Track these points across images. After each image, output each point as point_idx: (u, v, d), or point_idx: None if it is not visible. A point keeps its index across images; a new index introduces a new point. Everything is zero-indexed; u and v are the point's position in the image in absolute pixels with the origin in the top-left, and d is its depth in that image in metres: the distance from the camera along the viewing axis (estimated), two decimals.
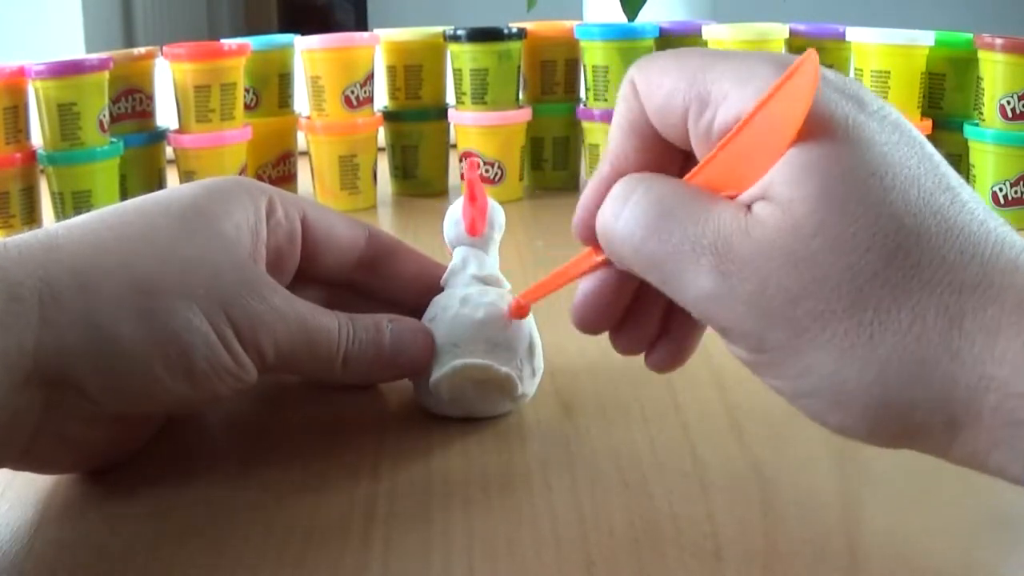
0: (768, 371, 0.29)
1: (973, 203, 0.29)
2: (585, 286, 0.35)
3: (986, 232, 0.28)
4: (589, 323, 0.36)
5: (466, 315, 0.41)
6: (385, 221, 0.78)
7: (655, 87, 0.32)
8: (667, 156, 0.33)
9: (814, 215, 0.28)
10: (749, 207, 0.29)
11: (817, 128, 0.29)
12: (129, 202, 0.38)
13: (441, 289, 0.43)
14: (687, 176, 0.32)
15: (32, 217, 0.73)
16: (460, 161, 0.82)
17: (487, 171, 0.81)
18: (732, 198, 0.30)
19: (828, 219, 0.28)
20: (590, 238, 0.34)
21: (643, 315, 0.36)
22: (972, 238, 0.28)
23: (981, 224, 0.28)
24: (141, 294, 0.34)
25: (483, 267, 0.43)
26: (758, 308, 0.28)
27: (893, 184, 0.28)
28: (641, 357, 0.37)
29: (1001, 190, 0.70)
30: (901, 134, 0.29)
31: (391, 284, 0.44)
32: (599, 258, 0.34)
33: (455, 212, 0.44)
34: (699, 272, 0.29)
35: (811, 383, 0.28)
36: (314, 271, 0.42)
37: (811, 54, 0.29)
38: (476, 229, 0.43)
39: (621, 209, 0.31)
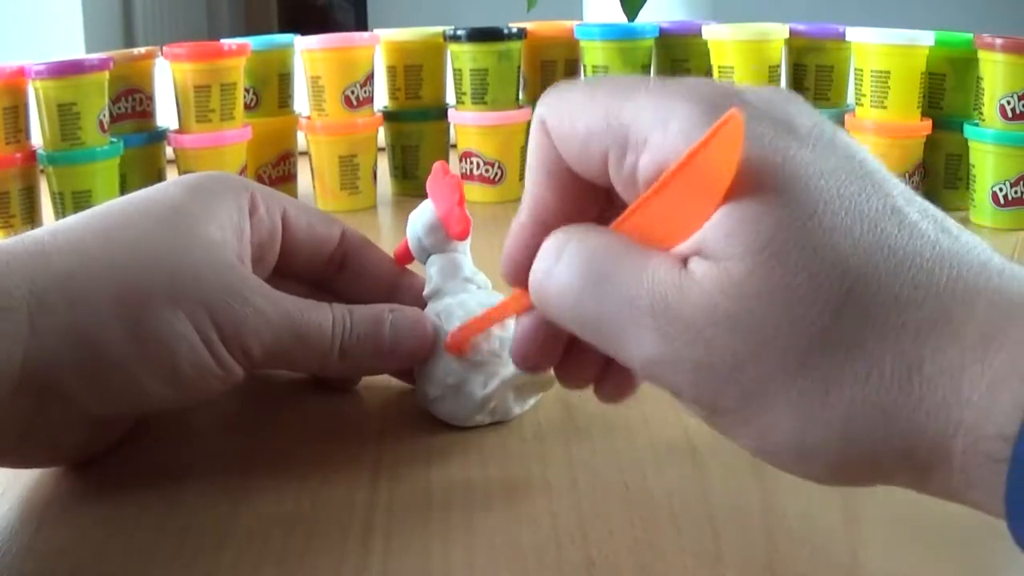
0: (727, 431, 0.28)
1: (924, 222, 0.27)
2: (521, 326, 0.34)
3: (939, 256, 0.26)
4: (529, 362, 0.34)
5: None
6: (385, 221, 0.78)
7: (569, 129, 0.31)
8: (587, 196, 0.32)
9: (753, 274, 0.26)
10: (685, 261, 0.28)
11: (748, 176, 0.27)
12: (115, 202, 0.38)
13: (423, 301, 0.42)
14: (613, 223, 0.30)
15: (32, 217, 0.73)
16: (461, 161, 0.82)
17: (487, 171, 0.81)
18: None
19: (768, 276, 0.26)
20: (518, 282, 0.33)
21: (585, 350, 0.33)
22: (925, 266, 0.26)
23: (934, 247, 0.27)
24: (126, 302, 0.35)
25: (471, 270, 0.43)
26: (705, 374, 0.27)
27: (833, 223, 0.26)
28: None
29: (1001, 190, 0.70)
30: (838, 156, 0.28)
31: (359, 282, 0.44)
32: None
33: (427, 217, 0.42)
34: (640, 334, 0.28)
35: (771, 443, 0.27)
36: (290, 266, 0.43)
37: (735, 115, 0.27)
38: (468, 231, 0.42)
39: (552, 267, 0.30)
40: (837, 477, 0.28)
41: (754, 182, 0.27)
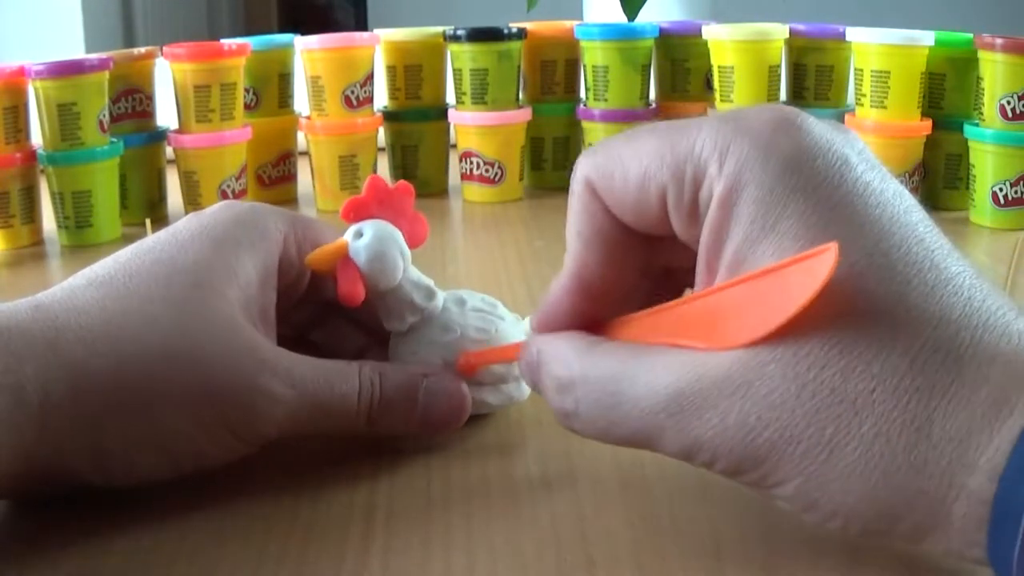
0: (753, 489, 0.29)
1: (960, 276, 0.27)
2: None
3: (966, 316, 0.26)
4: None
5: (517, 333, 0.40)
6: None
7: (621, 182, 0.31)
8: (634, 255, 0.32)
9: (766, 343, 0.27)
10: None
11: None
12: (133, 264, 0.37)
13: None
14: (659, 308, 0.31)
15: (32, 217, 0.73)
16: (461, 161, 0.82)
17: (487, 171, 0.81)
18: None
19: (780, 344, 0.27)
20: (550, 332, 0.34)
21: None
22: (950, 328, 0.26)
23: (965, 306, 0.27)
24: (131, 407, 0.34)
25: (428, 281, 0.41)
26: (721, 443, 0.28)
27: (861, 286, 0.27)
28: None
29: (1001, 190, 0.70)
30: (884, 202, 0.28)
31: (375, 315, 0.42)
32: None
33: (398, 240, 0.39)
34: (664, 440, 0.29)
35: (779, 494, 0.28)
36: (320, 295, 0.42)
37: (830, 254, 0.26)
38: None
39: (568, 410, 0.32)
40: (837, 531, 0.28)
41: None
